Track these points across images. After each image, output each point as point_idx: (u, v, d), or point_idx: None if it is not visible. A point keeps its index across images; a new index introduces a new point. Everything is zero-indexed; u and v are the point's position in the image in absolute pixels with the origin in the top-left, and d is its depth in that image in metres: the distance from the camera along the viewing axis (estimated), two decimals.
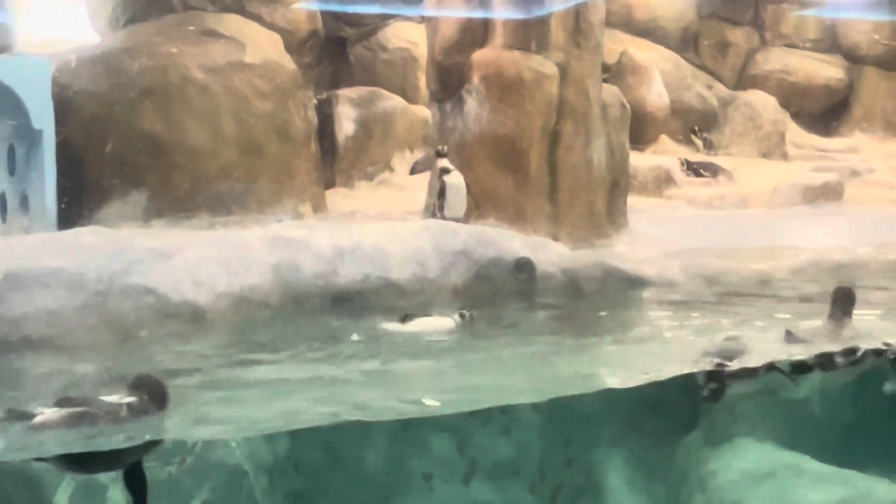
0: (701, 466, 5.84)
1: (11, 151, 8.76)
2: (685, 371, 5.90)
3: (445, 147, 9.53)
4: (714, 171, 15.82)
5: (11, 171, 8.80)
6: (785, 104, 18.60)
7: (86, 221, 8.30)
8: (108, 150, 8.96)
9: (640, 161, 14.11)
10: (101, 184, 8.93)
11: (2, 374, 5.98)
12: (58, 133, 8.61)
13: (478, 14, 9.86)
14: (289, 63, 9.82)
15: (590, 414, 5.98)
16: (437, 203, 9.16)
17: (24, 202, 8.68)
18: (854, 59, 19.57)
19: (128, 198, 8.87)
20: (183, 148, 9.06)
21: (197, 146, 9.11)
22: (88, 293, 6.54)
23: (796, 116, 18.90)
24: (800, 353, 6.07)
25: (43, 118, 8.51)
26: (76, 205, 8.74)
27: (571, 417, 5.95)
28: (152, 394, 4.84)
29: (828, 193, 14.73)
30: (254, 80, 9.45)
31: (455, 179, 9.29)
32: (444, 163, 9.34)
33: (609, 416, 6.00)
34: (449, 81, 10.05)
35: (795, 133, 18.61)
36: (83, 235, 7.28)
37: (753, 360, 5.95)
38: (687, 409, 6.14)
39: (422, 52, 13.21)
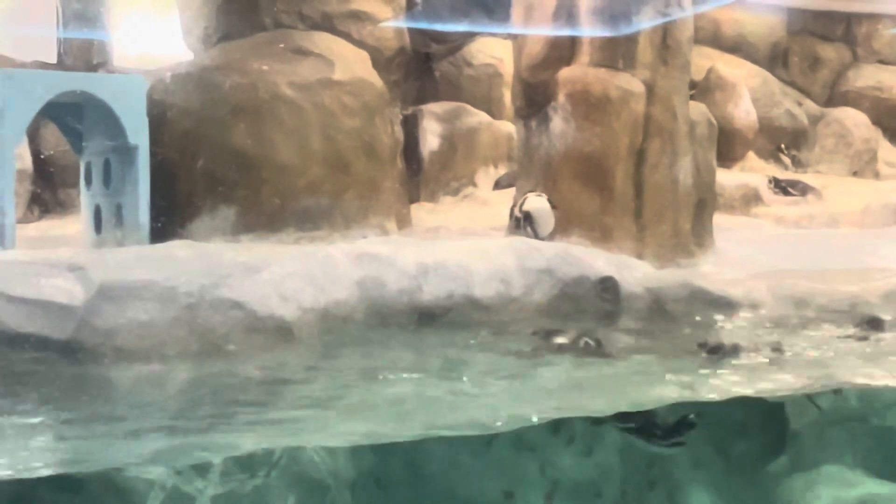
0: (787, 493, 5.76)
1: (107, 166, 8.97)
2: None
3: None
4: (803, 189, 15.56)
5: (106, 185, 9.01)
6: (877, 121, 18.24)
7: (177, 235, 8.46)
8: (200, 166, 9.11)
9: (726, 179, 13.95)
10: (192, 198, 9.08)
11: (94, 382, 6.14)
12: (151, 149, 8.79)
13: (565, 32, 9.84)
14: (376, 80, 9.90)
15: None
16: (526, 230, 9.14)
17: (118, 215, 8.88)
18: None
19: (217, 212, 9.01)
20: (272, 164, 9.18)
21: (285, 162, 9.22)
22: (179, 306, 6.66)
23: (889, 134, 18.52)
24: None
25: (138, 134, 8.70)
26: (168, 219, 8.91)
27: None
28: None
29: None
30: (342, 97, 9.54)
31: (536, 203, 9.27)
32: (519, 206, 9.35)
33: (693, 439, 5.94)
34: (534, 98, 10.04)
35: (888, 151, 18.22)
36: (174, 249, 7.42)
37: None
38: (773, 433, 6.06)
39: (507, 68, 13.24)
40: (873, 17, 18.84)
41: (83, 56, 13.88)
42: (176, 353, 6.46)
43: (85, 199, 9.34)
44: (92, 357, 6.32)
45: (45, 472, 4.54)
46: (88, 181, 9.25)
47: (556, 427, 5.80)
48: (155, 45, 13.30)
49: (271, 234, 8.69)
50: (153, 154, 8.84)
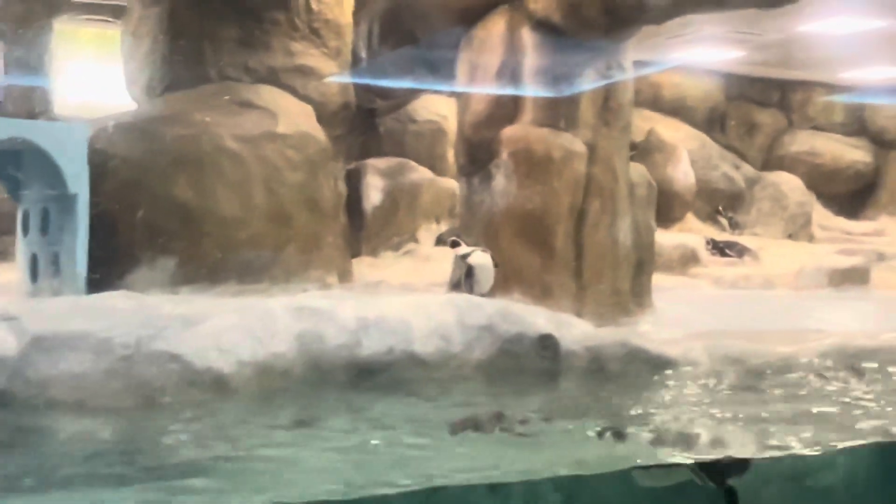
0: None
1: (45, 214, 8.87)
2: None
3: (457, 237, 9.56)
4: (739, 251, 15.84)
5: (44, 234, 8.89)
6: (812, 186, 18.68)
7: (115, 286, 8.35)
8: (140, 217, 9.04)
9: (665, 239, 14.15)
10: (131, 249, 8.99)
11: (27, 434, 6.02)
12: (91, 198, 8.72)
13: (508, 91, 9.96)
14: (320, 134, 9.93)
15: (611, 496, 5.92)
16: (466, 284, 9.17)
17: (55, 265, 8.76)
18: (881, 143, 19.69)
19: (157, 264, 8.93)
20: (213, 216, 9.14)
21: (227, 215, 9.18)
22: (114, 357, 6.57)
23: (823, 198, 18.97)
24: None
25: (78, 183, 8.63)
26: (106, 269, 8.80)
27: (593, 498, 5.90)
28: None
29: (854, 277, 14.68)
30: (285, 151, 9.54)
31: (480, 259, 9.29)
32: (461, 250, 9.36)
33: (631, 499, 5.94)
34: (477, 156, 10.13)
35: (822, 215, 18.66)
36: (111, 300, 7.33)
37: None
38: (710, 493, 6.08)
39: (450, 125, 13.38)
40: (808, 85, 19.35)
41: (24, 103, 13.77)
42: (110, 405, 6.35)
43: (21, 247, 9.22)
44: (25, 408, 6.19)
45: None
46: (25, 229, 9.13)
47: (493, 486, 5.78)
48: (98, 94, 13.22)
49: (211, 286, 8.60)
50: (93, 203, 8.76)
